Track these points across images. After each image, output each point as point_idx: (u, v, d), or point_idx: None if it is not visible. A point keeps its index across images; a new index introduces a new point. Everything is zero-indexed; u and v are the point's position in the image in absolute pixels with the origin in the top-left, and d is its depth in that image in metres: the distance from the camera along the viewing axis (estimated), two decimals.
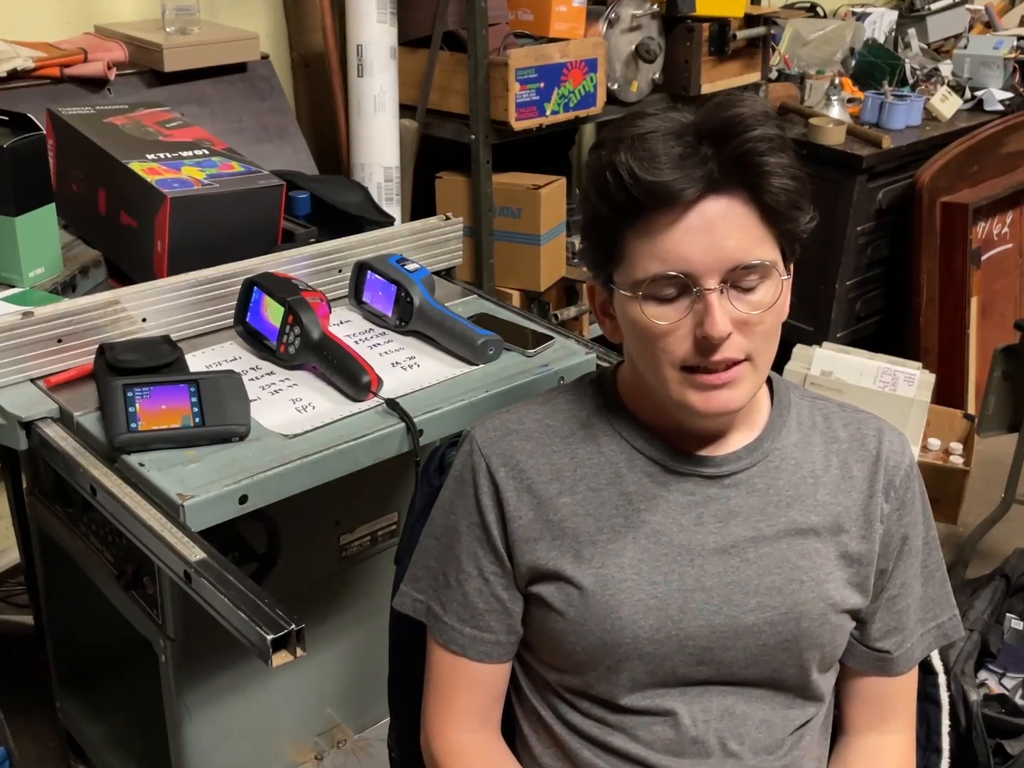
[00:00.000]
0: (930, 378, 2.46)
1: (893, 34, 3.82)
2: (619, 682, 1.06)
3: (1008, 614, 2.12)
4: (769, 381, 1.13)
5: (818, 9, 3.73)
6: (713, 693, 1.07)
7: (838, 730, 1.19)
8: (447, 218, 1.81)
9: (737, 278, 0.98)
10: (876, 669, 1.14)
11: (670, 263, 0.98)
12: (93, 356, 1.43)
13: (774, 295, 1.00)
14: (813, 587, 1.06)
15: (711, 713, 1.07)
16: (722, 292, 0.98)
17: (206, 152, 1.74)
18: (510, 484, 1.08)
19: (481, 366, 1.51)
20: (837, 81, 3.33)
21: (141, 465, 1.26)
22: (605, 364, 1.49)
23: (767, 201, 0.98)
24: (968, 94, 3.58)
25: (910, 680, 1.16)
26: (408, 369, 1.50)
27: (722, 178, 0.96)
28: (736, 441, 1.09)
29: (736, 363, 1.00)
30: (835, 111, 3.28)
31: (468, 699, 1.13)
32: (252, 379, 1.45)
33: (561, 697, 1.11)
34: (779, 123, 0.99)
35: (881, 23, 3.77)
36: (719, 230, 0.97)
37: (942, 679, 1.24)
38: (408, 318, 1.57)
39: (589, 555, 1.06)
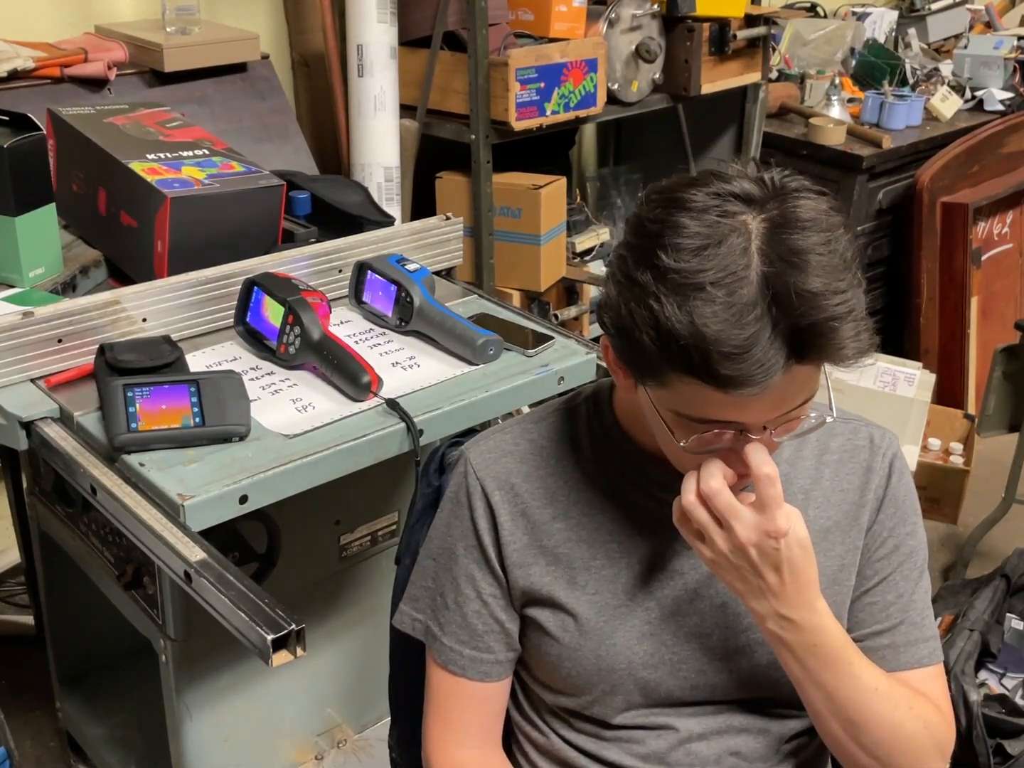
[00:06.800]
0: (930, 378, 2.47)
1: (893, 34, 3.82)
2: (614, 704, 1.06)
3: (1008, 614, 2.12)
4: None
5: (818, 9, 3.73)
6: (708, 711, 1.07)
7: None
8: (447, 218, 1.81)
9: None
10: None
11: (721, 416, 0.90)
12: (93, 356, 1.43)
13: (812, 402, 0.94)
14: None
15: (707, 726, 1.07)
16: (767, 429, 0.92)
17: (206, 152, 1.74)
18: (505, 508, 1.07)
19: (481, 366, 1.51)
20: (837, 81, 3.33)
21: (141, 465, 1.26)
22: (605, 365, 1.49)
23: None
24: (968, 94, 3.58)
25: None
26: (408, 369, 1.50)
27: (797, 358, 0.86)
28: None
29: None
30: (835, 111, 3.28)
31: (469, 717, 1.12)
32: (252, 379, 1.45)
33: (556, 715, 1.11)
34: (843, 239, 0.89)
35: (881, 23, 3.77)
36: (786, 397, 0.89)
37: None
38: (408, 318, 1.57)
39: (583, 581, 1.05)
